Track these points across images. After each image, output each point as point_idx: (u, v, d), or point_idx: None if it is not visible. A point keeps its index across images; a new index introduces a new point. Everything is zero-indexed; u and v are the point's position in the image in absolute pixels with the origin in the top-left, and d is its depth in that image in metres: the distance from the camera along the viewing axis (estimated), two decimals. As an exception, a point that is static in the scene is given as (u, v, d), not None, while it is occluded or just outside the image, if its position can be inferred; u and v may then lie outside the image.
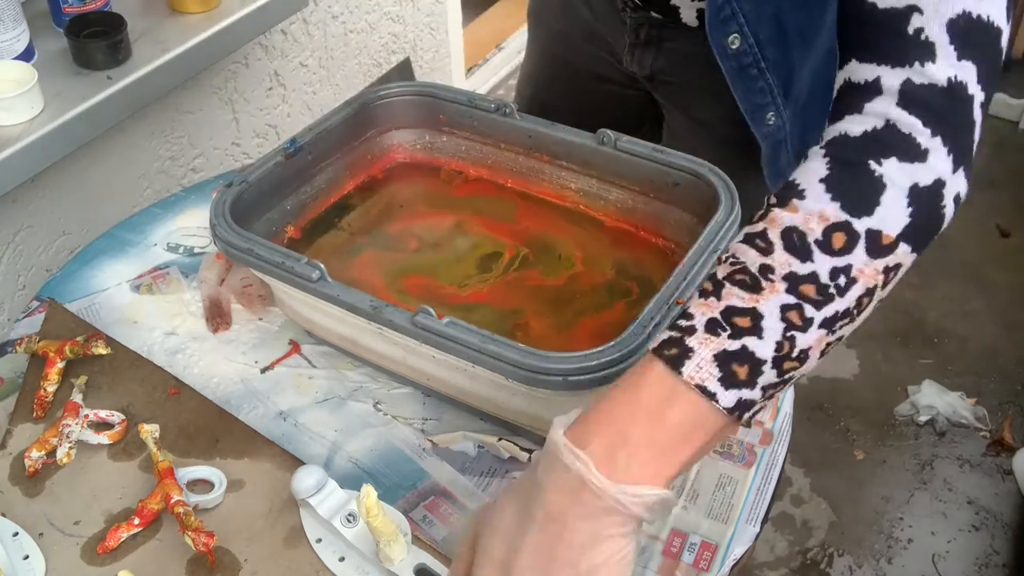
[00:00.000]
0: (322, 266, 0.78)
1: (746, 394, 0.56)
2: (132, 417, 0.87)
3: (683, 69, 1.02)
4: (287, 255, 0.79)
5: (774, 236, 0.57)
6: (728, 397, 0.56)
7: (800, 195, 0.58)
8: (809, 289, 0.56)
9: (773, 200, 0.59)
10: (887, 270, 0.57)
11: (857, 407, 2.00)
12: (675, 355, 0.56)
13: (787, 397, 0.89)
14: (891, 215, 0.56)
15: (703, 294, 0.58)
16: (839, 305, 0.56)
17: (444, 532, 0.78)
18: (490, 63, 2.75)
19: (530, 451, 0.83)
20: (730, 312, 0.57)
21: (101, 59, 1.26)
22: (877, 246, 0.56)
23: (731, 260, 0.59)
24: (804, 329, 0.56)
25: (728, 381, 0.56)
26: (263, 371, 0.92)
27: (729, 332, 0.56)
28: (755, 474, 0.83)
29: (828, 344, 0.58)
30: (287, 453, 0.84)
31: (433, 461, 0.84)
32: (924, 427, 1.95)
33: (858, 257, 0.56)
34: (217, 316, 0.96)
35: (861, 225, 0.56)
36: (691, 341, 0.56)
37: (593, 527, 0.55)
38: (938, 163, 0.58)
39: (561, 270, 0.91)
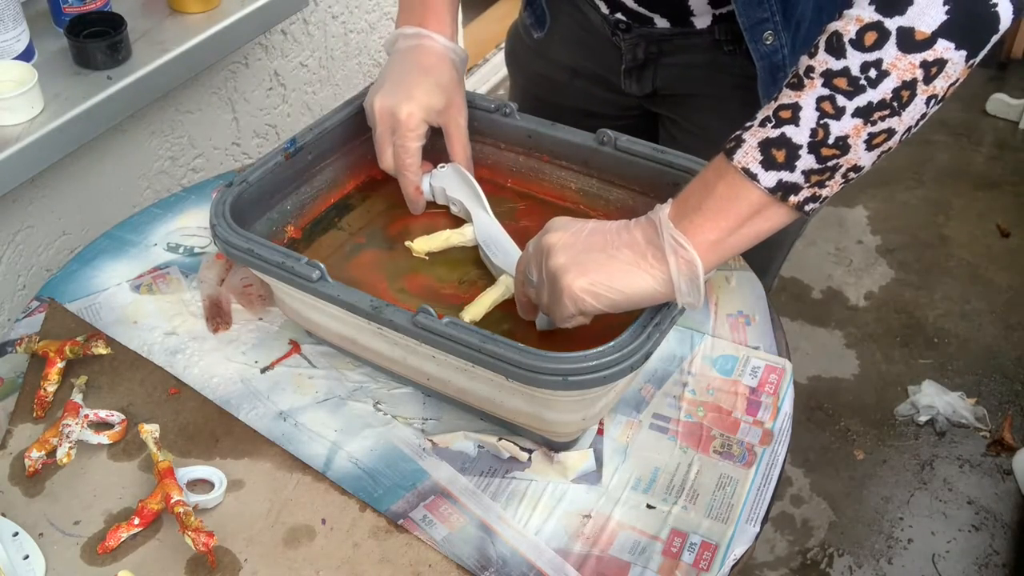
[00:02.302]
0: (322, 266, 0.78)
1: (786, 176, 0.66)
2: (132, 417, 0.87)
3: (684, 82, 1.02)
4: (287, 255, 0.79)
5: (822, 41, 0.65)
6: (768, 178, 0.67)
7: (849, 4, 0.64)
8: (841, 82, 0.64)
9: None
10: (925, 65, 0.62)
11: (857, 407, 2.00)
12: (732, 147, 0.68)
13: (787, 397, 0.89)
14: (926, 13, 0.61)
15: (770, 99, 0.68)
16: (872, 96, 0.63)
17: (444, 532, 0.78)
18: (490, 63, 2.75)
19: (530, 451, 0.83)
20: (779, 108, 0.66)
21: (101, 59, 1.27)
22: (911, 41, 0.62)
23: (792, 70, 0.68)
24: (837, 117, 0.64)
25: (768, 163, 0.66)
26: (263, 371, 0.92)
27: (773, 123, 0.66)
28: (755, 474, 0.83)
29: (872, 135, 0.65)
30: (287, 453, 0.84)
31: (433, 461, 0.84)
32: (924, 427, 1.95)
33: (889, 51, 0.62)
34: (217, 316, 0.96)
35: (892, 23, 0.62)
36: (746, 135, 0.68)
37: (636, 242, 0.70)
38: None
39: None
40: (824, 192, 0.68)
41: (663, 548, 0.77)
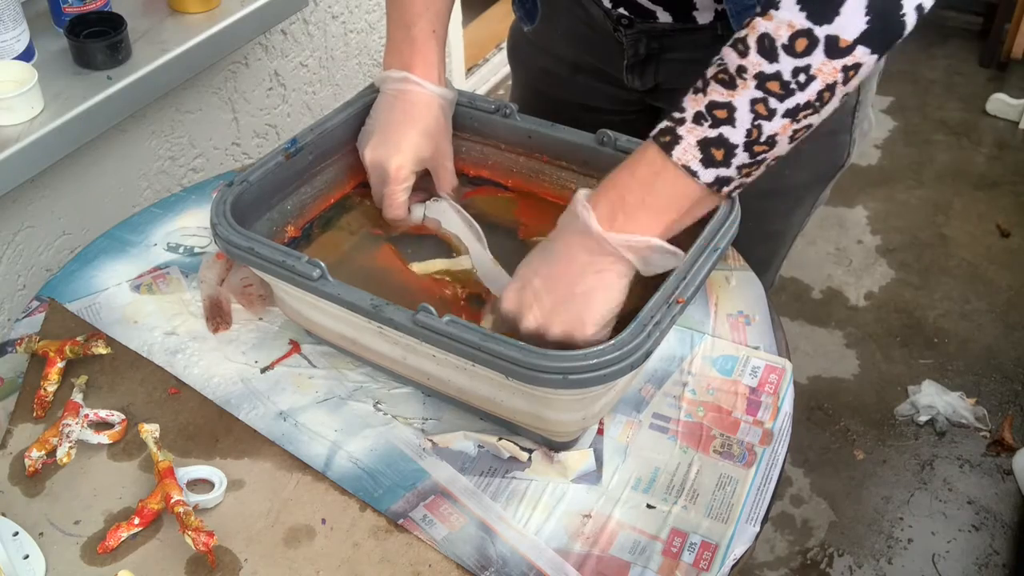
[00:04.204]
0: (323, 265, 0.78)
1: (723, 172, 0.71)
2: (132, 417, 0.87)
3: (686, 77, 1.02)
4: (288, 254, 0.79)
5: (751, 41, 0.68)
6: (707, 174, 0.71)
7: (776, 5, 0.67)
8: (774, 85, 0.68)
9: (758, 9, 0.69)
10: (846, 69, 0.68)
11: (857, 407, 2.00)
12: (668, 141, 0.71)
13: (787, 397, 0.89)
14: (849, 23, 0.66)
15: (695, 91, 0.71)
16: (800, 98, 0.68)
17: (444, 532, 0.78)
18: (490, 63, 2.75)
19: (530, 451, 0.83)
20: (712, 106, 0.70)
21: (101, 59, 1.27)
22: (836, 48, 0.66)
23: (718, 62, 0.70)
24: (770, 118, 0.69)
25: (708, 161, 0.71)
26: (263, 371, 0.92)
27: (710, 122, 0.70)
28: (755, 474, 0.83)
29: (795, 131, 0.70)
30: (287, 453, 0.84)
31: (433, 461, 0.84)
32: (924, 427, 1.95)
33: (817, 58, 0.67)
34: (217, 316, 0.96)
35: (821, 32, 0.66)
36: (681, 130, 0.71)
37: (590, 260, 0.73)
38: None
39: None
40: (748, 180, 0.74)
41: (663, 548, 0.77)
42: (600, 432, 0.86)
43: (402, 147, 0.92)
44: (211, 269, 1.00)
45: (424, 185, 0.97)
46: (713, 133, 0.70)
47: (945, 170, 2.64)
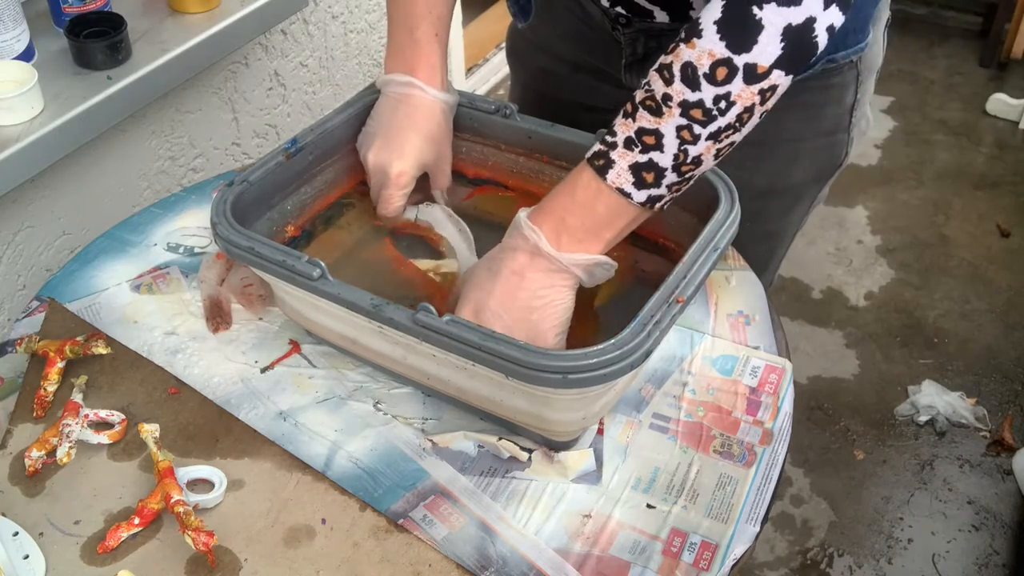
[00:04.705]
0: (323, 264, 0.78)
1: (654, 192, 0.75)
2: (132, 417, 0.87)
3: None
4: (288, 253, 0.79)
5: (676, 69, 0.72)
6: (640, 195, 0.75)
7: (699, 34, 0.71)
8: (697, 112, 0.72)
9: (682, 34, 0.72)
10: (763, 92, 0.72)
11: (857, 407, 2.00)
12: (602, 165, 0.75)
13: (787, 397, 0.89)
14: (766, 50, 0.69)
15: (624, 115, 0.75)
16: (721, 122, 0.72)
17: (444, 532, 0.78)
18: (490, 63, 2.75)
19: (530, 451, 0.83)
20: (641, 132, 0.74)
21: (101, 59, 1.27)
22: (754, 75, 0.70)
23: (646, 87, 0.74)
24: (694, 143, 0.73)
25: (640, 184, 0.75)
26: (263, 371, 0.92)
27: (640, 148, 0.74)
28: (755, 474, 0.83)
29: (719, 150, 0.75)
30: (287, 453, 0.84)
31: (433, 461, 0.84)
32: (924, 427, 1.95)
33: (737, 85, 0.70)
34: (217, 316, 0.96)
35: (740, 60, 0.70)
36: (614, 155, 0.75)
37: (544, 279, 0.77)
38: (810, 4, 0.69)
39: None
40: (679, 194, 0.78)
41: (663, 548, 0.77)
42: (600, 432, 0.86)
43: (405, 152, 0.92)
44: (211, 269, 1.00)
45: (419, 185, 0.97)
46: (643, 158, 0.74)
47: (945, 170, 2.64)
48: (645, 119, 0.73)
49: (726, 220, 0.82)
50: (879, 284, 2.28)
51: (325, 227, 0.97)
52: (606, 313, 0.88)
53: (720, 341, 0.94)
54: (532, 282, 0.78)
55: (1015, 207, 2.51)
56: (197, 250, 1.05)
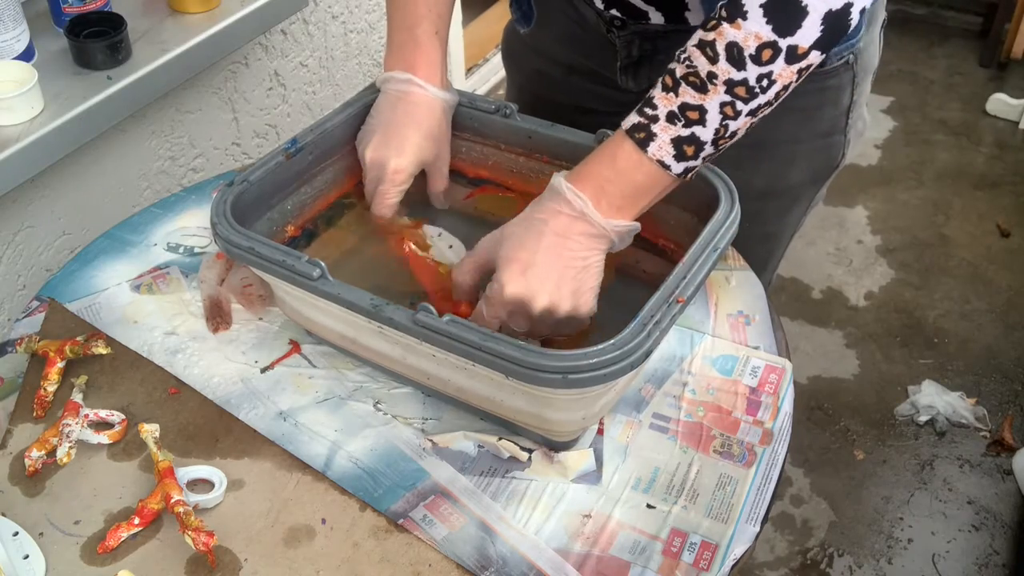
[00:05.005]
0: (323, 264, 0.78)
1: (691, 164, 0.79)
2: (132, 417, 0.87)
3: None
4: (288, 253, 0.79)
5: (720, 48, 0.74)
6: (679, 167, 0.78)
7: (744, 16, 0.73)
8: (741, 90, 0.75)
9: (723, 14, 0.74)
10: (800, 71, 0.75)
11: (857, 407, 2.00)
12: (643, 138, 0.78)
13: (787, 397, 0.89)
14: (808, 34, 0.73)
15: (665, 89, 0.77)
16: (762, 99, 0.76)
17: (444, 532, 0.78)
18: (490, 63, 2.75)
19: (530, 451, 0.83)
20: (684, 107, 0.76)
21: (101, 59, 1.27)
22: (795, 55, 0.74)
23: (687, 63, 0.76)
24: (735, 118, 0.76)
25: (680, 157, 0.78)
26: (263, 371, 0.92)
27: (683, 123, 0.76)
28: (755, 474, 0.83)
29: (752, 124, 0.78)
30: (287, 453, 0.84)
31: (433, 461, 0.84)
32: (924, 427, 1.95)
33: (779, 65, 0.74)
34: (217, 316, 0.96)
35: (784, 42, 0.73)
36: (655, 128, 0.77)
37: (586, 242, 0.80)
38: None
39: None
40: (706, 164, 0.82)
41: (663, 548, 0.77)
42: (600, 432, 0.86)
43: (404, 149, 0.92)
44: (211, 269, 1.00)
45: (418, 187, 0.96)
46: (686, 132, 0.77)
47: (945, 170, 2.65)
48: (689, 95, 0.76)
49: (726, 220, 0.82)
50: (879, 284, 2.28)
51: (325, 227, 0.97)
52: (606, 313, 0.88)
53: (720, 341, 0.94)
54: (576, 243, 0.80)
55: (1015, 207, 2.51)
56: (197, 250, 1.05)
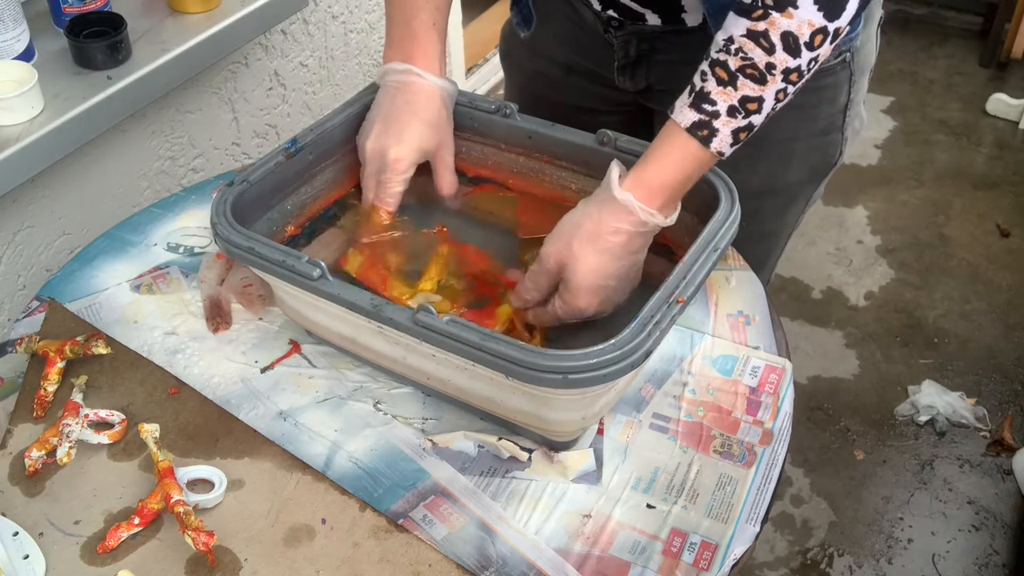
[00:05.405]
0: (323, 264, 0.78)
1: (738, 146, 0.81)
2: (132, 417, 0.87)
3: (677, 78, 1.02)
4: (288, 253, 0.79)
5: (776, 38, 0.76)
6: (730, 151, 0.81)
7: (794, 4, 0.75)
8: (794, 76, 0.78)
9: (770, 2, 0.75)
10: (838, 48, 0.82)
11: (857, 407, 2.00)
12: (706, 135, 0.79)
13: (787, 397, 0.89)
14: (848, 14, 0.76)
15: (721, 83, 0.78)
16: (806, 79, 0.79)
17: (444, 532, 0.78)
18: (490, 63, 2.75)
19: (530, 451, 0.83)
20: (744, 100, 0.78)
21: (101, 59, 1.27)
22: (836, 36, 0.77)
23: (740, 55, 0.77)
24: (783, 101, 0.80)
25: (734, 144, 0.80)
26: (263, 371, 0.92)
27: (743, 114, 0.78)
28: (755, 474, 0.83)
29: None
30: (287, 453, 0.84)
31: (433, 461, 0.84)
32: (924, 427, 1.95)
33: (826, 48, 0.78)
34: (217, 316, 0.96)
35: (832, 26, 0.76)
36: (717, 123, 0.79)
37: (642, 240, 0.84)
38: None
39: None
40: None
41: (663, 548, 0.77)
42: (600, 432, 0.86)
43: (404, 137, 0.91)
44: (211, 269, 1.00)
45: (422, 188, 0.96)
46: (744, 122, 0.79)
47: (945, 170, 2.64)
48: (748, 87, 0.77)
49: (726, 220, 0.82)
50: (879, 284, 2.28)
51: (325, 227, 0.97)
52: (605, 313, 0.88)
53: (720, 341, 0.94)
54: (641, 254, 0.85)
55: (1015, 207, 2.51)
56: (197, 250, 1.05)
